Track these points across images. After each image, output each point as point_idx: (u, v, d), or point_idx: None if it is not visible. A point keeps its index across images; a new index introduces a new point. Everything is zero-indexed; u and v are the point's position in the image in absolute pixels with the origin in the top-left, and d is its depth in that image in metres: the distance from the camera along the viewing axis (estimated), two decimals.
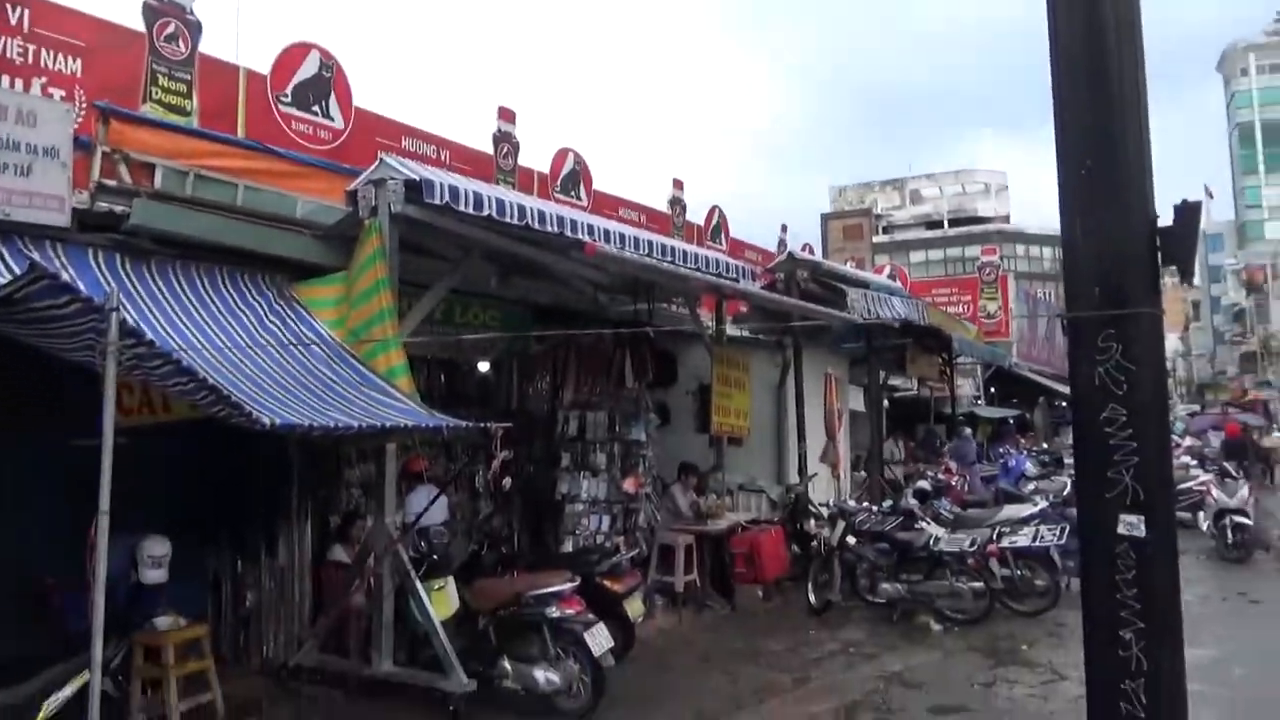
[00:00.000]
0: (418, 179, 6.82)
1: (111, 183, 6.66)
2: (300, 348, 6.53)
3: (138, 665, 6.14)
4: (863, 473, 14.16)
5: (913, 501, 10.47)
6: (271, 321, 6.79)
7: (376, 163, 7.09)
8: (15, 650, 4.99)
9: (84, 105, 7.55)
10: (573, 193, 13.09)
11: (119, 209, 6.35)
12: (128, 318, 4.75)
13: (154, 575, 6.02)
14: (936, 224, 66.39)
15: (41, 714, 4.66)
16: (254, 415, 5.00)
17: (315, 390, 6.05)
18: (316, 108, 9.63)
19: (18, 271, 4.99)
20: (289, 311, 7.03)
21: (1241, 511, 12.17)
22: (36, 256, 5.55)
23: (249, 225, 7.02)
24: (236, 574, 7.66)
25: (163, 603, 6.27)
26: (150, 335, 5.04)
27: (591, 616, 6.56)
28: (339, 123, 9.82)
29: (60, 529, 5.84)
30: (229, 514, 7.67)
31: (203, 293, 6.62)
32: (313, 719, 6.53)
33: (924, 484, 11.84)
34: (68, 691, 4.69)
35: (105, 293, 4.61)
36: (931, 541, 9.22)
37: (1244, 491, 12.56)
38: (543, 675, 6.34)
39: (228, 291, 6.81)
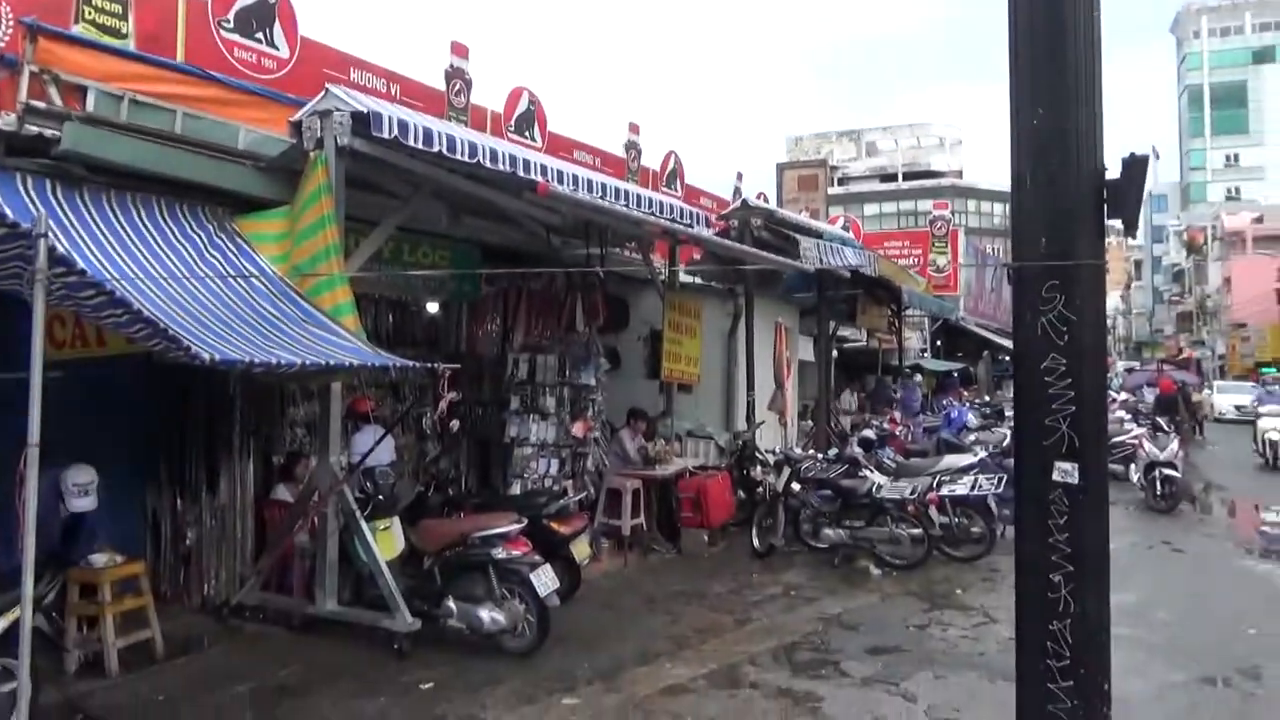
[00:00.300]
0: (365, 111, 6.61)
1: (40, 105, 6.34)
2: (242, 280, 6.37)
3: (73, 602, 6.06)
4: (809, 421, 14.35)
5: (857, 450, 10.66)
6: (212, 255, 6.58)
7: (322, 93, 6.85)
8: None
9: (10, 21, 7.15)
10: (526, 133, 12.82)
11: (49, 133, 6.05)
12: (58, 245, 4.57)
13: (81, 503, 5.90)
14: (891, 177, 66.74)
15: None
16: (193, 350, 4.88)
17: (258, 326, 5.91)
18: (260, 35, 9.23)
19: None
20: (230, 245, 6.81)
21: (1171, 465, 12.62)
22: None
23: (188, 154, 6.75)
24: (176, 512, 7.54)
25: (98, 538, 6.16)
26: (82, 265, 4.85)
27: (538, 558, 6.60)
28: (284, 52, 9.43)
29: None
30: (169, 451, 7.53)
31: (139, 223, 6.37)
32: (255, 656, 6.48)
33: (869, 433, 12.05)
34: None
35: (33, 218, 4.41)
36: (874, 489, 9.40)
37: (1174, 446, 13.01)
38: (488, 615, 6.37)
39: (165, 223, 6.56)
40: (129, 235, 6.20)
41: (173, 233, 6.54)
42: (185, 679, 6.06)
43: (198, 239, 6.67)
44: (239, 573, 7.40)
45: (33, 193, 5.84)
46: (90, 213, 6.12)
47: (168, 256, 6.25)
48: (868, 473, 9.82)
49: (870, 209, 59.08)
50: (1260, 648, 6.85)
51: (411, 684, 5.94)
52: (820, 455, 10.55)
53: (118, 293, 4.80)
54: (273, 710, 5.56)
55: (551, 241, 10.20)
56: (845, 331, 18.07)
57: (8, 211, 4.71)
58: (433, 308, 9.91)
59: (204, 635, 6.85)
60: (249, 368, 5.26)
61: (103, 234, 6.02)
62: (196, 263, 6.37)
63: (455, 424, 9.37)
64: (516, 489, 9.11)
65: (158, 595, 6.82)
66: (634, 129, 15.52)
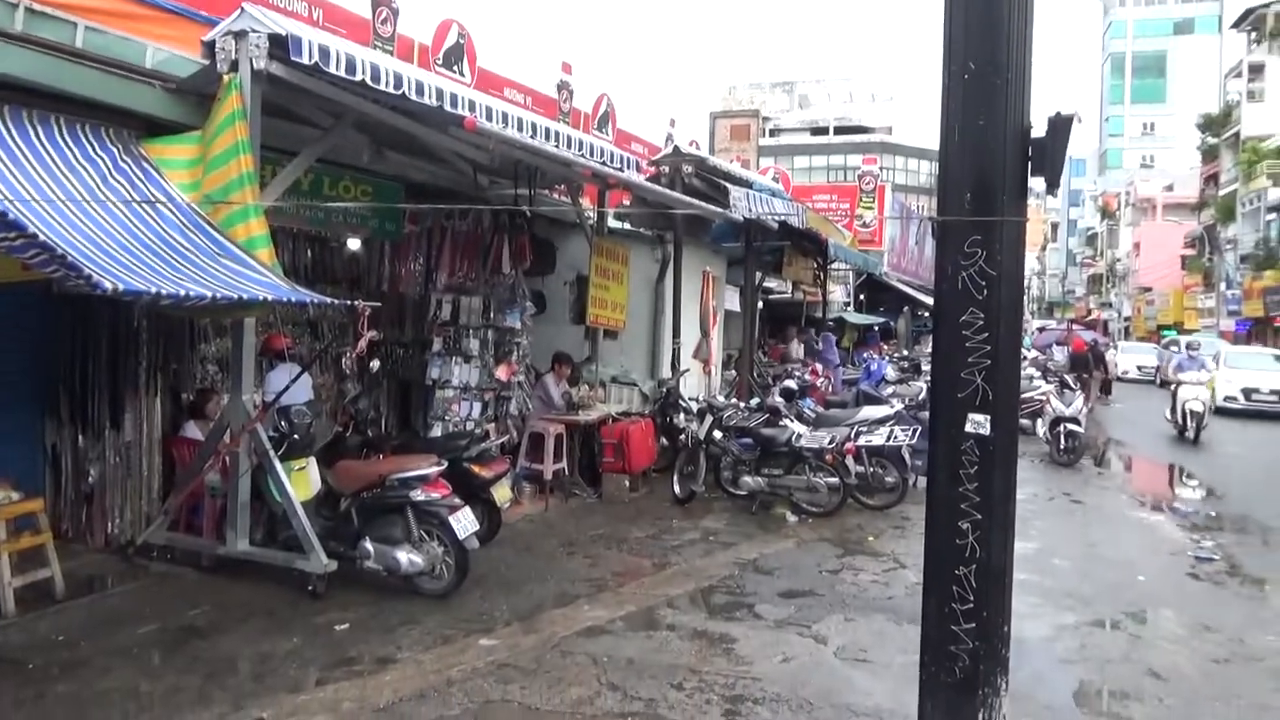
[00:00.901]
0: (284, 34, 6.27)
1: None
2: (149, 208, 6.07)
3: None
4: (733, 371, 14.50)
5: (778, 400, 10.81)
6: (116, 180, 6.24)
7: (238, 13, 6.47)
8: None
9: None
10: (455, 68, 12.42)
11: None
12: None
13: None
14: (822, 130, 67.09)
15: None
16: (94, 279, 4.66)
17: (166, 257, 5.66)
18: None
19: None
20: (136, 170, 6.47)
21: (1075, 421, 13.16)
22: None
23: (91, 70, 6.33)
24: (78, 448, 7.24)
25: None
26: None
27: (457, 500, 6.54)
28: None
29: None
30: (69, 385, 7.20)
31: (35, 143, 5.98)
32: (162, 596, 6.33)
33: (790, 383, 12.22)
34: None
35: None
36: (793, 438, 9.57)
37: (1079, 402, 13.56)
38: (405, 557, 6.31)
39: (65, 144, 6.18)
40: (24, 155, 5.83)
41: (73, 154, 6.18)
42: (88, 619, 5.88)
43: (100, 162, 6.31)
44: (145, 512, 7.17)
45: None
46: None
47: (67, 180, 5.91)
48: (788, 422, 9.98)
49: (800, 161, 59.37)
50: (1148, 593, 7.26)
51: (326, 625, 5.88)
52: (742, 404, 10.68)
53: (10, 214, 4.54)
54: (180, 650, 5.43)
55: (479, 181, 9.98)
56: (771, 283, 18.23)
57: None
58: (354, 245, 9.63)
59: (108, 575, 6.66)
60: (156, 299, 5.04)
61: None
62: (100, 187, 6.04)
63: (375, 364, 9.17)
64: (437, 431, 9.00)
65: (58, 534, 6.59)
66: (566, 68, 15.18)
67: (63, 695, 4.82)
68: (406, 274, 10.19)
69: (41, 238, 4.64)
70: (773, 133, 62.50)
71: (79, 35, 6.84)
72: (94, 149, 6.36)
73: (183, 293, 5.12)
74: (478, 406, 9.38)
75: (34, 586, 6.06)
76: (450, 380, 9.38)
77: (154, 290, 4.97)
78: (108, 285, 4.68)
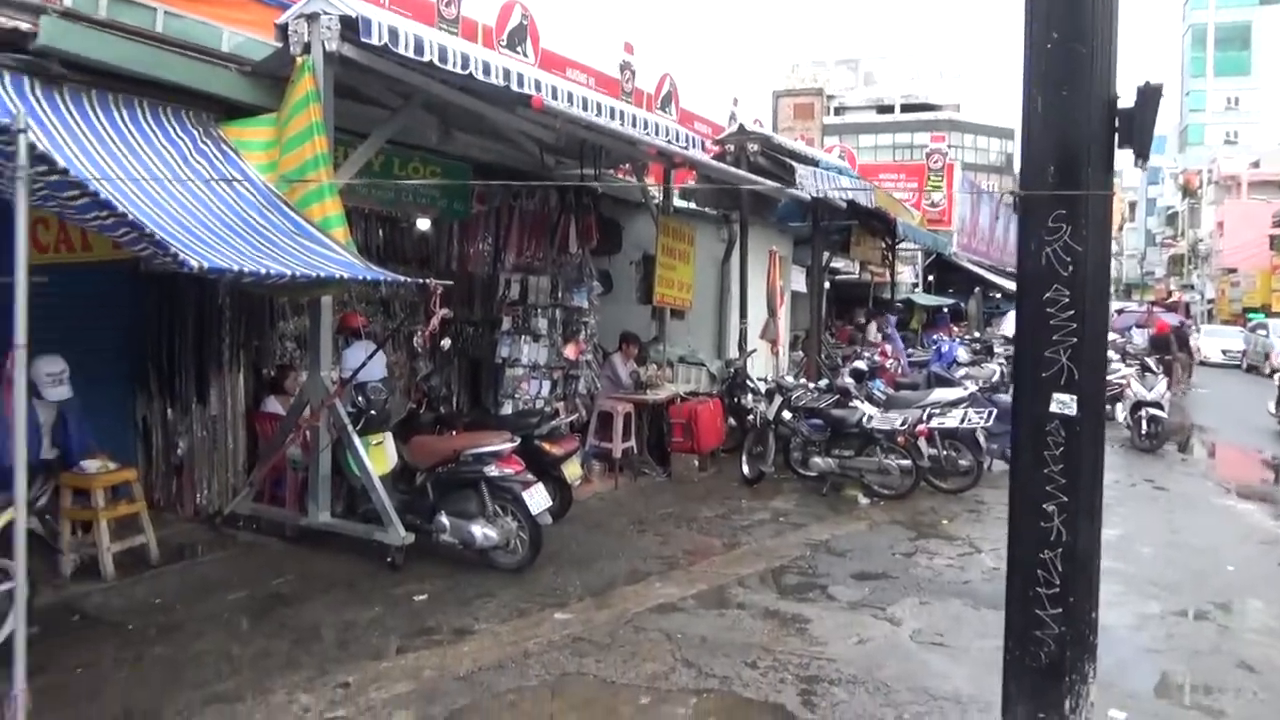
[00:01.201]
0: (354, 16, 6.36)
1: None
2: (228, 188, 6.20)
3: (66, 507, 6.08)
4: (800, 352, 14.34)
5: (848, 381, 10.66)
6: (197, 161, 6.39)
7: None
8: None
9: None
10: (519, 49, 12.42)
11: (25, 26, 5.80)
12: (38, 144, 4.39)
13: (56, 393, 5.83)
14: (888, 109, 65.75)
15: None
16: (180, 256, 4.76)
17: (246, 235, 5.78)
18: None
19: None
20: (215, 152, 6.63)
21: (1157, 405, 12.71)
22: None
23: (172, 55, 6.49)
24: (167, 421, 7.49)
25: (90, 443, 6.13)
26: (64, 164, 4.68)
27: (530, 476, 6.61)
28: None
29: None
30: (159, 361, 7.44)
31: (121, 126, 6.15)
32: (249, 565, 6.53)
33: (860, 364, 12.04)
34: None
35: (11, 114, 4.23)
36: (864, 419, 9.43)
37: (1161, 386, 13.09)
38: (480, 531, 6.39)
39: (148, 126, 6.35)
40: (111, 137, 6.00)
41: (156, 136, 6.35)
42: (180, 584, 6.11)
43: (182, 144, 6.47)
44: (231, 483, 7.41)
45: (10, 89, 5.61)
46: (70, 112, 5.90)
47: (152, 160, 6.06)
48: (858, 403, 9.84)
49: (866, 140, 58.31)
50: (1236, 583, 6.99)
51: (404, 595, 6.00)
52: (811, 385, 10.56)
53: (101, 194, 4.65)
54: (268, 617, 5.60)
55: (545, 161, 9.99)
56: (838, 263, 17.96)
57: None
58: (423, 225, 9.74)
59: (198, 543, 6.91)
60: (238, 277, 5.16)
61: (84, 135, 5.82)
62: (182, 168, 6.18)
63: (446, 343, 9.29)
64: (508, 409, 9.08)
65: (151, 504, 6.83)
66: (628, 48, 15.08)
67: (160, 657, 5.01)
68: (475, 254, 10.27)
69: (131, 216, 4.76)
70: (838, 111, 61.48)
71: (159, 20, 7.01)
72: (175, 131, 6.51)
73: (263, 271, 5.23)
74: (546, 385, 9.44)
75: (130, 552, 6.31)
76: (519, 359, 9.45)
77: (236, 268, 5.07)
78: (194, 263, 4.77)
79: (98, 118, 6.02)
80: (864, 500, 9.18)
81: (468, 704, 4.55)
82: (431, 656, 5.07)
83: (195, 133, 6.61)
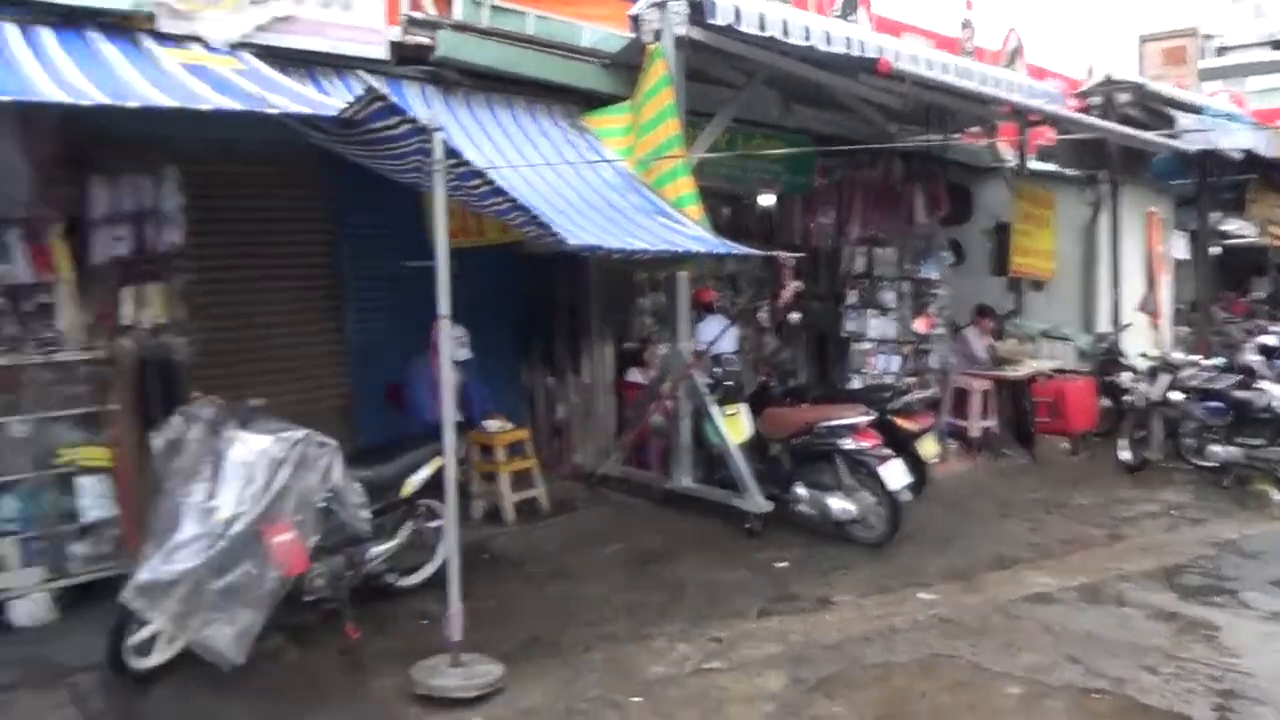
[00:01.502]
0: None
1: (419, 15, 6.89)
2: (594, 173, 6.60)
3: (474, 460, 6.95)
4: (1186, 327, 12.54)
5: (1255, 358, 9.12)
6: (567, 150, 6.90)
7: None
8: (383, 437, 5.72)
9: None
10: (851, 16, 12.08)
11: (426, 41, 6.58)
12: (447, 140, 4.94)
13: (461, 354, 6.34)
14: None
15: (404, 490, 5.27)
16: (561, 235, 5.13)
17: (611, 216, 6.13)
18: None
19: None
20: (581, 141, 7.12)
21: None
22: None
23: (544, 55, 7.07)
24: (548, 389, 8.26)
25: (489, 404, 6.93)
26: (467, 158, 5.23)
27: (887, 451, 6.37)
28: None
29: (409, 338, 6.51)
30: (538, 335, 8.18)
31: (503, 124, 6.81)
32: (622, 522, 6.99)
33: (1269, 339, 10.26)
34: (425, 473, 5.26)
35: (423, 118, 4.78)
36: (1276, 403, 8.01)
37: None
38: (838, 504, 6.29)
39: (525, 123, 6.97)
40: (497, 134, 6.64)
41: (531, 130, 6.93)
42: (565, 534, 6.70)
43: (553, 136, 7.01)
44: (603, 446, 7.99)
45: (417, 97, 6.40)
46: (463, 114, 6.62)
47: (531, 154, 6.63)
48: (1267, 385, 8.37)
49: (1257, 83, 49.88)
50: None
51: (765, 561, 6.07)
52: (1205, 362, 9.17)
53: (498, 182, 5.14)
54: (642, 570, 5.95)
55: (887, 129, 9.58)
56: (1229, 225, 15.49)
57: (410, 109, 5.14)
58: (766, 201, 9.79)
59: (576, 500, 7.51)
60: (609, 253, 5.48)
61: (475, 133, 6.50)
62: (554, 158, 6.70)
63: (795, 316, 9.25)
64: (856, 384, 8.86)
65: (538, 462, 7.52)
66: (969, 4, 14.11)
67: (554, 595, 5.54)
68: (817, 228, 10.10)
69: (521, 201, 5.21)
70: (1219, 51, 53.23)
71: (530, 24, 7.63)
72: (547, 125, 7.08)
73: (629, 247, 5.51)
74: (896, 360, 9.08)
75: (525, 503, 7.08)
76: (866, 333, 9.19)
77: (606, 245, 5.38)
78: (571, 241, 5.13)
79: (485, 117, 6.71)
80: (1277, 496, 7.81)
81: (836, 672, 4.49)
82: (796, 622, 5.07)
83: (563, 125, 7.14)
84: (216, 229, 6.14)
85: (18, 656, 4.76)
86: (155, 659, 4.43)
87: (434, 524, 5.46)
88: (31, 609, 5.12)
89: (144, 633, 4.37)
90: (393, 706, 4.19)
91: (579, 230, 5.57)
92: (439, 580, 5.34)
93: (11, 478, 5.16)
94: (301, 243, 6.91)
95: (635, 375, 7.95)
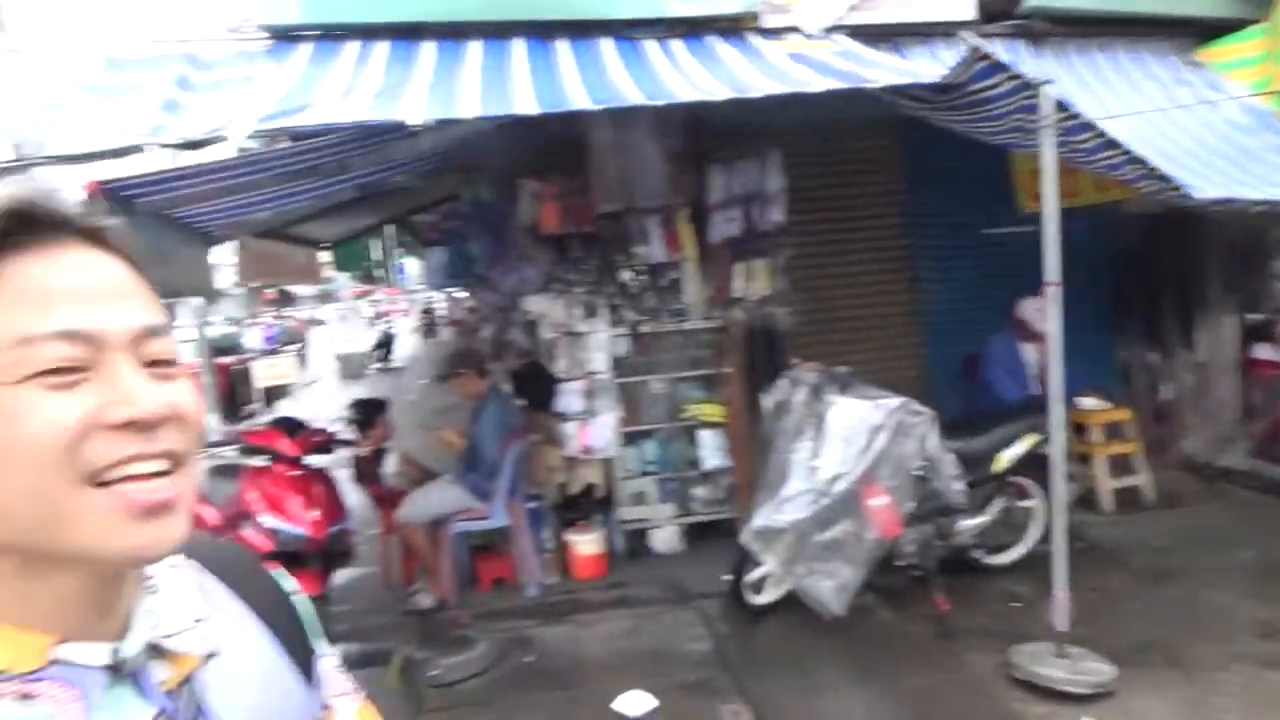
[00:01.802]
0: None
1: None
2: (1214, 114, 5.68)
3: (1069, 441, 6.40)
4: None
5: None
6: (1179, 90, 6.05)
7: None
8: (958, 410, 5.57)
9: None
10: None
11: None
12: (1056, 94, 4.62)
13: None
14: None
15: (995, 465, 5.11)
16: (1185, 188, 4.52)
17: (1240, 163, 5.24)
18: None
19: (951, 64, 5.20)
20: (1196, 78, 6.22)
21: None
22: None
23: None
24: (1150, 366, 7.37)
25: (1077, 380, 6.36)
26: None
27: None
28: None
29: (983, 310, 6.33)
30: (1138, 304, 7.35)
31: (1101, 70, 6.21)
32: (1253, 522, 5.92)
33: None
34: (1018, 449, 5.07)
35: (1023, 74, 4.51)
36: None
37: None
38: None
39: (1126, 67, 6.27)
40: (1095, 82, 6.08)
41: (1134, 74, 6.22)
42: (1174, 531, 5.88)
43: (1161, 77, 6.22)
44: (1222, 434, 6.91)
45: (1007, 52, 6.09)
46: (1053, 67, 6.13)
47: (1133, 99, 5.93)
48: None
49: None
50: None
51: None
52: None
53: (1109, 134, 4.67)
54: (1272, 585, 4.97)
55: None
56: None
57: (1016, 65, 4.90)
58: None
59: (1186, 492, 6.59)
60: (1245, 206, 4.67)
61: (1069, 84, 5.97)
62: (1163, 101, 5.91)
63: None
64: None
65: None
66: None
67: (1166, 598, 4.86)
68: None
69: (1134, 153, 4.68)
70: None
71: None
72: (1153, 66, 6.30)
73: (1271, 197, 4.65)
74: None
75: (1124, 491, 6.37)
76: None
77: (1241, 197, 4.62)
78: (1198, 195, 4.49)
79: (1080, 65, 6.17)
80: None
81: None
82: None
83: (1174, 61, 6.28)
84: (809, 207, 6.56)
85: (660, 577, 5.69)
86: (766, 597, 4.94)
87: (1024, 503, 5.21)
88: (667, 539, 6.10)
89: (757, 573, 4.89)
90: (992, 684, 4.09)
91: (1203, 181, 4.85)
92: (1027, 562, 5.17)
93: (652, 426, 6.18)
94: (880, 217, 7.06)
95: (1265, 352, 6.66)
